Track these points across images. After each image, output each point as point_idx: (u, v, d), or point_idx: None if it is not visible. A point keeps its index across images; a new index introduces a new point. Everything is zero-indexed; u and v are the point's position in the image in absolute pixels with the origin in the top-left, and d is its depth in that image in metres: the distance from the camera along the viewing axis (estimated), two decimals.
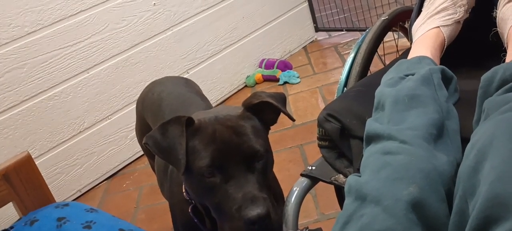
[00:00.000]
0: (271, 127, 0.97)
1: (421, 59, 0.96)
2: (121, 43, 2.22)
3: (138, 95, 1.53)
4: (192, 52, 2.52)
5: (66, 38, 2.04)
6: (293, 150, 2.01)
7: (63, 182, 2.12)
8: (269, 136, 0.95)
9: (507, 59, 0.87)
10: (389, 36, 1.44)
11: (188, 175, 0.87)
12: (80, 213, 0.80)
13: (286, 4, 2.97)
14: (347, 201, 0.72)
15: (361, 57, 1.24)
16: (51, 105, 2.04)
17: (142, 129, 1.44)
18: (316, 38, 3.19)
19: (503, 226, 0.52)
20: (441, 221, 0.64)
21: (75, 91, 2.11)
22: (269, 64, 2.79)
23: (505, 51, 0.93)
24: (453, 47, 1.06)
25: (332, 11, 3.28)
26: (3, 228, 0.81)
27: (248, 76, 2.79)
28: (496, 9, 0.99)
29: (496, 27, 0.99)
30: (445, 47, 1.04)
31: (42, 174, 0.89)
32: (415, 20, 1.13)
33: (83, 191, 2.19)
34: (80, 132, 2.15)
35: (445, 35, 1.04)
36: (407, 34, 1.35)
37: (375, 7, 2.89)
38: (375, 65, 1.36)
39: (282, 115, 0.94)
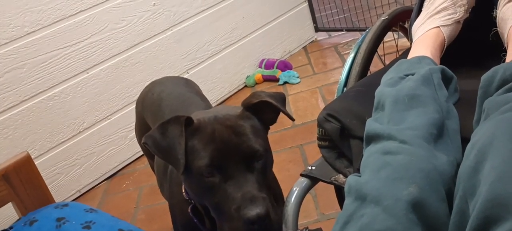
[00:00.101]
0: (271, 127, 0.97)
1: (421, 59, 0.96)
2: (121, 43, 2.22)
3: (138, 95, 1.53)
4: (192, 52, 2.52)
5: (66, 38, 2.04)
6: (293, 150, 2.01)
7: (62, 182, 2.12)
8: (269, 136, 0.95)
9: (507, 59, 0.87)
10: (389, 36, 1.44)
11: (187, 175, 0.87)
12: (79, 213, 0.80)
13: (286, 4, 2.97)
14: (347, 201, 0.71)
15: (361, 57, 1.23)
16: (51, 106, 2.04)
17: (142, 129, 1.44)
18: (316, 38, 3.19)
19: (504, 226, 0.52)
20: (441, 221, 0.64)
21: (74, 91, 2.10)
22: (269, 64, 2.79)
23: (505, 51, 0.93)
24: (453, 47, 1.06)
25: (332, 11, 3.28)
26: (3, 228, 0.81)
27: (248, 76, 2.79)
28: (496, 9, 0.99)
29: (496, 27, 0.99)
30: (445, 47, 1.04)
31: (41, 174, 0.89)
32: (415, 20, 1.13)
33: (82, 191, 2.19)
34: (80, 132, 2.15)
35: (445, 35, 1.03)
36: (407, 34, 1.34)
37: (375, 7, 2.89)
38: (375, 65, 1.36)
39: (282, 115, 0.94)
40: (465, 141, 0.74)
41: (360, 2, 3.00)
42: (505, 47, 0.94)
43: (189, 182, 0.89)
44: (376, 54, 1.29)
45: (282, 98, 0.95)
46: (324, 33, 3.20)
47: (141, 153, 2.29)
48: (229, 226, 0.83)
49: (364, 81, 1.13)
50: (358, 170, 0.80)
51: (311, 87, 2.53)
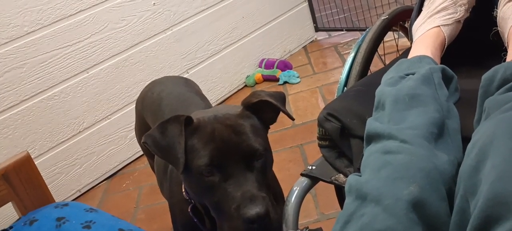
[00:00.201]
0: (271, 127, 0.97)
1: (421, 58, 0.95)
2: (121, 43, 2.22)
3: (138, 95, 1.53)
4: (192, 52, 2.52)
5: (66, 38, 2.04)
6: (293, 150, 2.00)
7: (62, 182, 2.12)
8: (269, 135, 0.95)
9: (508, 59, 0.87)
10: (389, 35, 1.43)
11: (187, 174, 0.87)
12: (79, 213, 0.80)
13: (286, 4, 2.97)
14: (347, 201, 0.71)
15: (361, 56, 1.23)
16: (51, 105, 2.04)
17: (142, 128, 1.44)
18: (316, 38, 3.19)
19: (504, 225, 0.52)
20: (441, 220, 0.64)
21: (74, 91, 2.10)
22: (269, 64, 2.79)
23: (505, 50, 0.93)
24: (454, 47, 1.06)
25: (332, 11, 3.28)
26: (3, 228, 0.81)
27: (248, 76, 2.79)
28: (497, 8, 0.99)
29: (497, 26, 0.99)
30: (445, 46, 1.04)
31: (41, 174, 0.89)
32: (415, 20, 1.13)
33: (82, 191, 2.19)
34: (80, 131, 2.15)
35: (445, 35, 1.03)
36: (407, 33, 1.34)
37: (375, 7, 2.89)
38: (375, 65, 1.36)
39: (282, 114, 0.94)
40: (465, 140, 0.74)
41: (360, 2, 3.00)
42: (506, 47, 0.94)
43: (189, 181, 0.89)
44: (376, 53, 1.29)
45: (282, 97, 0.95)
46: (324, 33, 3.20)
47: (141, 152, 2.29)
48: (229, 225, 0.83)
49: (364, 80, 1.13)
50: (358, 170, 0.80)
51: (311, 87, 2.53)
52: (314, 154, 1.84)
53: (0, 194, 0.83)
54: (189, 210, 0.97)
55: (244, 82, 2.80)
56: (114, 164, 2.28)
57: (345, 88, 1.22)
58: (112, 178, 2.27)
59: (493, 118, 0.67)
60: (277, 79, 2.71)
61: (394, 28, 1.41)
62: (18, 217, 0.85)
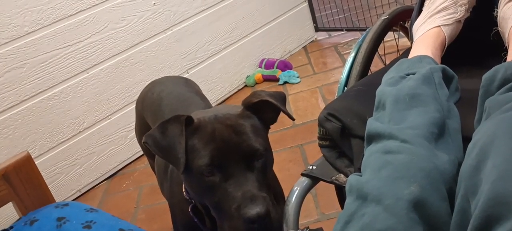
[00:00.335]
0: (271, 127, 0.97)
1: (421, 58, 0.95)
2: (121, 43, 2.22)
3: (138, 95, 1.53)
4: (192, 52, 2.52)
5: (66, 38, 2.04)
6: (293, 150, 2.00)
7: (63, 182, 2.12)
8: (269, 135, 0.95)
9: (508, 58, 0.87)
10: (390, 35, 1.43)
11: (187, 174, 0.87)
12: (80, 213, 0.80)
13: (286, 4, 2.97)
14: (348, 201, 0.71)
15: (361, 56, 1.23)
16: (51, 105, 2.04)
17: (142, 128, 1.44)
18: (316, 38, 3.19)
19: (505, 225, 0.52)
20: (442, 220, 0.64)
21: (74, 91, 2.10)
22: (269, 64, 2.79)
23: (506, 50, 0.93)
24: (454, 47, 1.06)
25: (332, 11, 3.28)
26: (3, 228, 0.81)
27: (248, 76, 2.79)
28: (497, 8, 0.99)
29: (497, 26, 0.99)
30: (446, 46, 1.04)
31: (41, 174, 0.89)
32: (415, 20, 1.13)
33: (83, 191, 2.19)
34: (80, 131, 2.15)
35: (446, 35, 1.03)
36: (408, 33, 1.34)
37: (375, 7, 2.89)
38: (376, 65, 1.36)
39: (282, 114, 0.94)
40: (466, 140, 0.74)
41: (360, 2, 3.00)
42: (506, 47, 0.94)
43: (189, 181, 0.89)
44: (376, 53, 1.29)
45: (282, 97, 0.95)
46: (324, 33, 3.20)
47: (141, 152, 2.29)
48: (229, 225, 0.83)
49: (365, 80, 1.13)
50: (359, 169, 0.80)
51: (311, 87, 2.53)
52: (314, 154, 1.84)
53: (1, 194, 0.83)
54: (189, 210, 0.97)
55: (244, 82, 2.80)
56: (114, 164, 2.28)
57: (346, 88, 1.22)
58: (112, 178, 2.27)
59: (494, 117, 0.67)
60: (277, 79, 2.71)
61: (394, 28, 1.41)
62: (18, 217, 0.85)
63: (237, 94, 2.75)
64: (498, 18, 0.98)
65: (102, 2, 2.13)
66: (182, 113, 0.88)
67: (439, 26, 1.04)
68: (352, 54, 1.26)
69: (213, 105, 1.32)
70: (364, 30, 1.33)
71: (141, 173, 2.23)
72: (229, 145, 0.84)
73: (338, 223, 0.69)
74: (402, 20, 1.40)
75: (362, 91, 1.01)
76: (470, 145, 0.66)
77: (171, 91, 1.37)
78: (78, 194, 2.18)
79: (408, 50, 1.15)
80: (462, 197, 0.62)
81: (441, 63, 0.97)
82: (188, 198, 0.98)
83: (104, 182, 2.25)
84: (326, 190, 1.55)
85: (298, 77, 2.67)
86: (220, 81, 2.67)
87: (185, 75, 2.45)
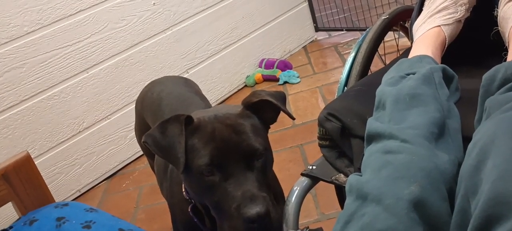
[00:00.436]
0: (271, 126, 0.97)
1: (422, 58, 0.95)
2: (121, 43, 2.22)
3: (138, 95, 1.52)
4: (191, 52, 2.52)
5: (66, 38, 2.04)
6: (293, 150, 2.00)
7: (62, 182, 2.12)
8: (269, 135, 0.95)
9: (508, 58, 0.87)
10: (390, 35, 1.43)
11: (187, 174, 0.87)
12: (79, 212, 0.79)
13: (286, 4, 2.97)
14: (348, 200, 0.71)
15: (361, 56, 1.23)
16: (51, 105, 2.04)
17: (142, 128, 1.44)
18: (316, 38, 3.19)
19: (505, 225, 0.52)
20: (442, 220, 0.64)
21: (74, 91, 2.10)
22: (269, 64, 2.78)
23: (506, 50, 0.93)
24: (454, 46, 1.06)
25: (332, 11, 3.28)
26: (3, 228, 0.81)
27: (248, 76, 2.79)
28: (497, 8, 0.99)
29: (497, 26, 0.99)
30: (446, 46, 1.04)
31: (41, 174, 0.89)
32: (415, 20, 1.12)
33: (82, 191, 2.19)
34: (80, 131, 2.15)
35: (446, 34, 1.03)
36: (408, 33, 1.34)
37: (375, 7, 2.89)
38: (376, 65, 1.36)
39: (282, 114, 0.94)
40: (466, 139, 0.74)
41: (360, 2, 3.00)
42: (506, 46, 0.94)
43: (189, 181, 0.89)
44: (376, 53, 1.29)
45: (282, 97, 0.95)
46: (324, 33, 3.20)
47: (141, 152, 2.29)
48: (229, 225, 0.83)
49: (365, 80, 1.13)
50: (359, 169, 0.80)
51: (311, 87, 2.53)
52: (314, 154, 1.84)
53: (0, 194, 0.82)
54: (189, 210, 0.97)
55: (244, 82, 2.80)
56: (114, 164, 2.28)
57: (346, 88, 1.22)
58: (112, 178, 2.26)
59: (494, 117, 0.67)
60: (277, 79, 2.71)
61: (394, 28, 1.41)
62: (18, 217, 0.85)
63: (237, 94, 2.75)
64: (498, 18, 0.98)
65: (102, 2, 2.13)
66: (182, 113, 0.88)
67: (439, 26, 1.04)
68: (352, 54, 1.26)
69: (213, 105, 1.32)
70: (364, 30, 1.33)
71: (140, 173, 2.23)
72: (229, 144, 0.84)
73: (338, 223, 0.69)
74: (402, 20, 1.40)
75: (362, 91, 1.01)
76: (470, 145, 0.66)
77: (171, 91, 1.37)
78: (78, 194, 2.18)
79: (408, 50, 1.15)
80: (462, 197, 0.62)
81: (441, 63, 0.97)
82: (187, 198, 0.98)
83: (104, 182, 2.25)
84: (326, 190, 1.55)
85: (298, 77, 2.67)
86: (220, 81, 2.67)
87: (185, 75, 2.45)
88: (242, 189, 0.82)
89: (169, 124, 0.86)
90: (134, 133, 1.78)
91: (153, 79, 1.53)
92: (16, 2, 1.88)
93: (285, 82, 2.67)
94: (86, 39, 2.10)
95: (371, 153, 0.76)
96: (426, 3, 1.12)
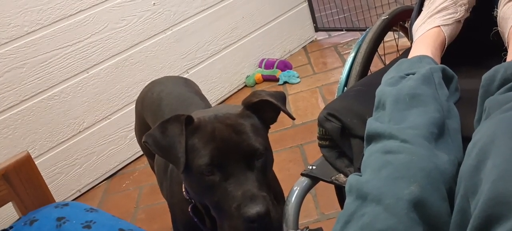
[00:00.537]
0: (271, 126, 0.97)
1: (421, 58, 0.95)
2: (121, 43, 2.22)
3: (138, 95, 1.53)
4: (191, 52, 2.52)
5: (66, 38, 2.04)
6: (293, 150, 2.00)
7: (62, 182, 2.12)
8: (269, 135, 0.95)
9: (508, 58, 0.87)
10: (390, 35, 1.43)
11: (187, 174, 0.87)
12: (79, 212, 0.80)
13: (286, 4, 2.97)
14: (348, 200, 0.71)
15: (361, 56, 1.23)
16: (51, 105, 2.04)
17: (142, 128, 1.44)
18: (316, 38, 3.19)
19: (505, 225, 0.52)
20: (442, 220, 0.64)
21: (74, 91, 2.10)
22: (269, 64, 2.78)
23: (505, 50, 0.93)
24: (454, 47, 1.06)
25: (332, 11, 3.28)
26: (3, 228, 0.81)
27: (248, 76, 2.79)
28: (497, 8, 0.99)
29: (497, 26, 0.99)
30: (445, 46, 1.04)
31: (41, 174, 0.89)
32: (415, 20, 1.12)
33: (82, 191, 2.19)
34: (80, 131, 2.15)
35: (445, 35, 1.03)
36: (408, 33, 1.34)
37: (375, 7, 2.89)
38: (375, 65, 1.36)
39: (282, 114, 0.94)
40: (466, 140, 0.74)
41: (360, 2, 3.00)
42: (506, 47, 0.94)
43: (189, 181, 0.89)
44: (376, 53, 1.29)
45: (282, 97, 0.95)
46: (324, 33, 3.20)
47: (141, 152, 2.29)
48: (229, 225, 0.83)
49: (365, 80, 1.13)
50: (358, 169, 0.80)
51: (311, 87, 2.53)
52: (314, 154, 1.84)
53: (0, 194, 0.83)
54: (189, 210, 0.97)
55: (244, 82, 2.80)
56: (114, 164, 2.28)
57: (345, 88, 1.22)
58: (112, 178, 2.27)
59: (494, 117, 0.67)
60: (277, 79, 2.71)
61: (394, 28, 1.41)
62: (18, 217, 0.85)
63: (237, 94, 2.75)
64: (498, 18, 0.98)
65: (102, 2, 2.13)
66: (182, 113, 0.88)
67: (439, 26, 1.04)
68: (352, 54, 1.26)
69: (213, 105, 1.32)
70: (364, 30, 1.33)
71: (141, 173, 2.23)
72: (229, 144, 0.84)
73: (337, 223, 0.69)
74: (402, 20, 1.40)
75: (362, 91, 1.01)
76: (470, 145, 0.66)
77: (171, 91, 1.37)
78: (78, 194, 2.18)
79: (408, 50, 1.15)
80: (462, 197, 0.62)
81: (441, 63, 0.97)
82: (188, 197, 0.98)
83: (104, 182, 2.25)
84: (326, 190, 1.55)
85: (298, 77, 2.67)
86: (220, 81, 2.67)
87: (185, 75, 2.45)
88: (242, 189, 0.82)
89: (169, 123, 0.86)
90: (134, 133, 1.78)
91: (153, 79, 1.54)
92: (16, 2, 1.89)
93: (285, 82, 2.67)
94: (86, 39, 2.10)
95: (371, 153, 0.76)
96: (425, 4, 1.12)
